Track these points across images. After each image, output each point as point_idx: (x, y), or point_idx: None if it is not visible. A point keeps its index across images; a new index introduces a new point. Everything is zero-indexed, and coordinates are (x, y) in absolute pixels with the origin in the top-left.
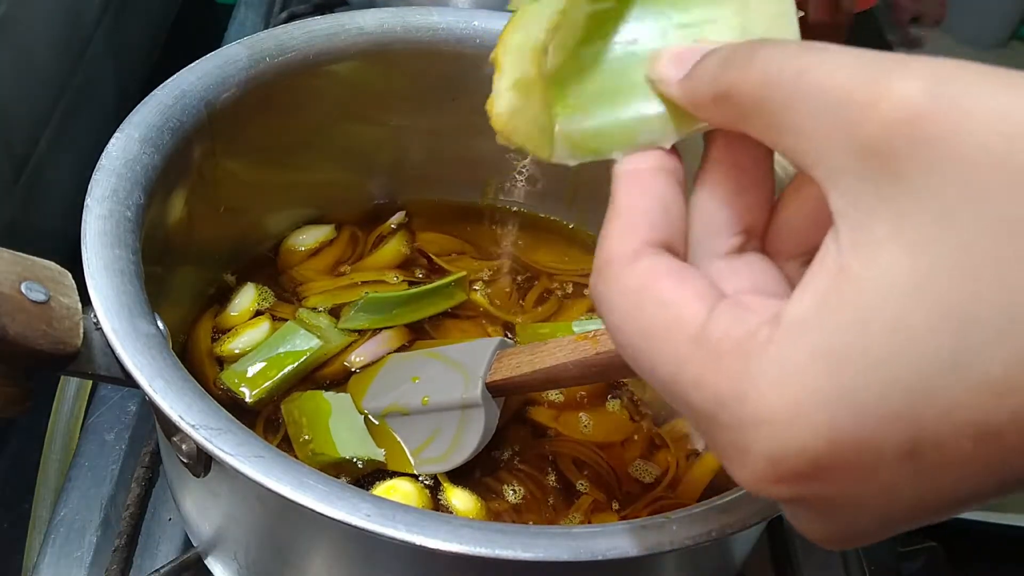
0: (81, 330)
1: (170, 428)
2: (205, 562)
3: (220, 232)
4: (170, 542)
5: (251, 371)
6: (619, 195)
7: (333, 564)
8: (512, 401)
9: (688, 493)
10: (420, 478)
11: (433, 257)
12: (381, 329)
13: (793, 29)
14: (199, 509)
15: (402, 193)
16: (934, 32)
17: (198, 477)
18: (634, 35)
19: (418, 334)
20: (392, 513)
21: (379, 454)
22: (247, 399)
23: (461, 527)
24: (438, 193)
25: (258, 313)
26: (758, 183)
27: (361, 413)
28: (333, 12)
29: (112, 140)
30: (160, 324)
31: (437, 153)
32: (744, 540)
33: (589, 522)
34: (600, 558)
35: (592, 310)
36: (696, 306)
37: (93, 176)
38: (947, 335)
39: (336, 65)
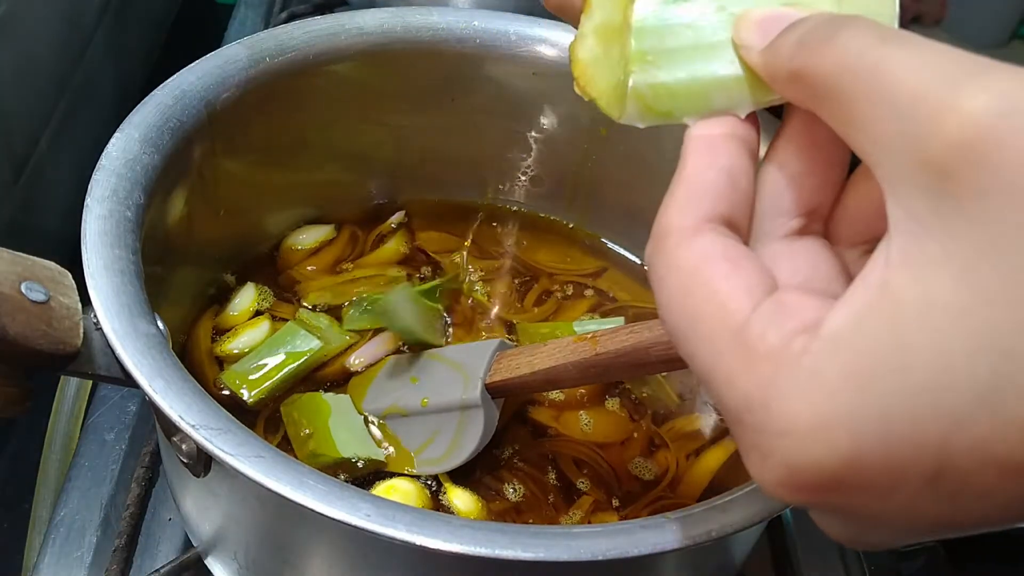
0: (81, 330)
1: (170, 428)
2: (205, 562)
3: (220, 232)
4: (170, 542)
5: (251, 372)
6: (687, 161)
7: (333, 564)
8: (512, 401)
9: (688, 493)
10: (420, 478)
11: (431, 254)
12: (382, 329)
13: (892, 10)
14: (199, 509)
15: (402, 193)
16: (934, 31)
17: (198, 477)
18: None
19: None
20: (392, 513)
21: (379, 454)
22: (247, 400)
23: (461, 527)
24: (438, 193)
25: (258, 313)
26: (831, 164)
27: (361, 414)
28: (333, 12)
29: (112, 140)
30: (160, 324)
31: (437, 153)
32: (744, 540)
33: (589, 522)
34: (600, 558)
35: (592, 310)
36: (742, 300)
37: (93, 176)
38: (986, 366)
39: (336, 65)
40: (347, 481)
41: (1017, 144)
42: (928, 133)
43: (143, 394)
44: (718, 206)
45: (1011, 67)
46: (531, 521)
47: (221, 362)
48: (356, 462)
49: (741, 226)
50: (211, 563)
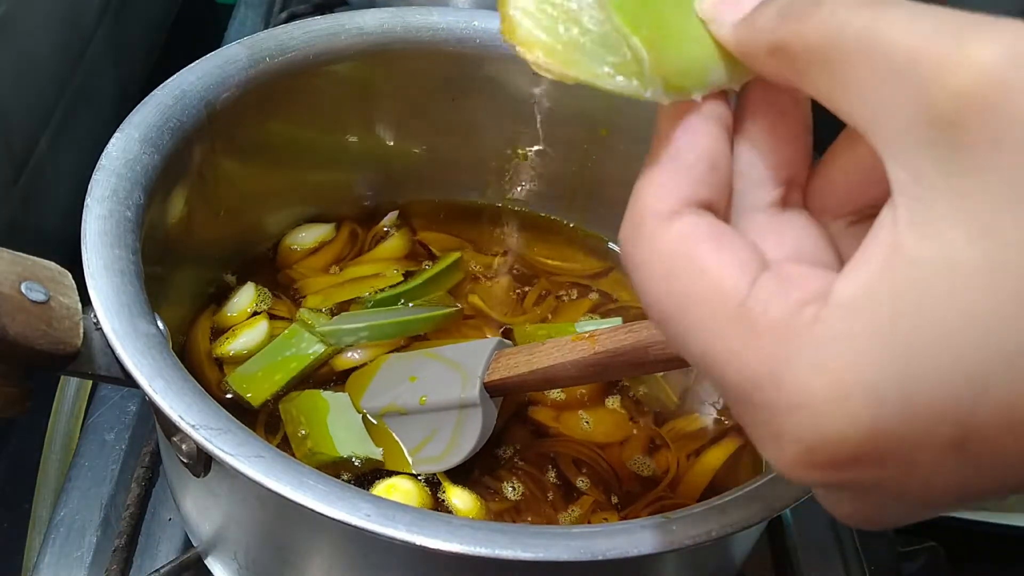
0: (81, 330)
1: (170, 428)
2: (205, 562)
3: (220, 232)
4: (170, 542)
5: (257, 375)
6: (661, 139)
7: (333, 564)
8: (511, 400)
9: (688, 493)
10: (420, 477)
11: (432, 249)
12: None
13: None
14: (199, 509)
15: (402, 193)
16: None
17: (198, 477)
18: None
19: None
20: (392, 513)
21: (377, 453)
22: (253, 403)
23: (461, 527)
24: (438, 193)
25: (255, 313)
26: (800, 131)
27: (359, 412)
28: (333, 12)
29: (112, 140)
30: (160, 324)
31: (437, 153)
32: (744, 540)
33: (589, 521)
34: (600, 558)
35: (592, 310)
36: (737, 277)
37: (93, 176)
38: (1014, 324)
39: (336, 65)
40: (347, 480)
41: None
42: (934, 86)
43: (143, 394)
44: (698, 190)
45: (1013, 20)
46: (530, 520)
47: (220, 362)
48: (354, 461)
49: (720, 209)
50: (211, 563)
